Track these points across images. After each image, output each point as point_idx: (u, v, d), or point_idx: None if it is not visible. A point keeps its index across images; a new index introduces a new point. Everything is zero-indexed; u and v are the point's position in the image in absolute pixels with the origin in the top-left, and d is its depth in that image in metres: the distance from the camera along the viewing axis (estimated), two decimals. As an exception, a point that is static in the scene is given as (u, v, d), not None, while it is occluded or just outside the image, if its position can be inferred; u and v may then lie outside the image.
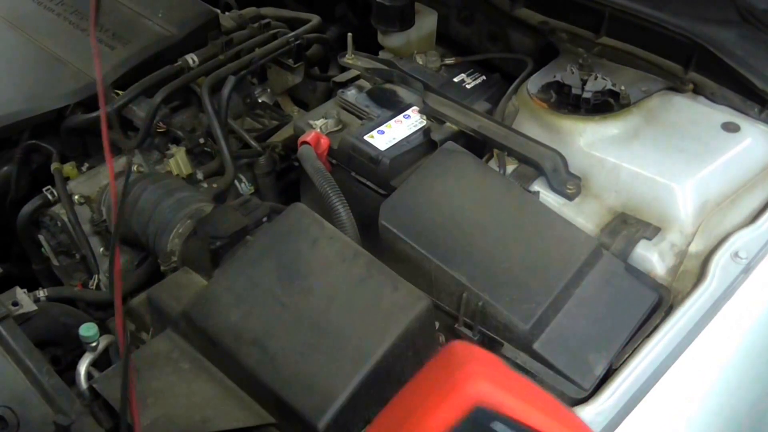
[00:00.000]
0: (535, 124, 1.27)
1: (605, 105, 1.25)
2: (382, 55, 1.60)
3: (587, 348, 0.98)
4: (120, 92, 1.42)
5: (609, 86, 1.25)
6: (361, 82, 1.45)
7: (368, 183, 1.25)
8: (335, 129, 1.32)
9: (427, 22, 1.62)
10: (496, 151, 1.24)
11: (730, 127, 1.21)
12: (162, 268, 1.19)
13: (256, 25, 1.61)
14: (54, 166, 1.35)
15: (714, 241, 1.07)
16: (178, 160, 1.38)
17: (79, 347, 1.06)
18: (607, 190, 1.16)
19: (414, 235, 1.06)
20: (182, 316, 0.98)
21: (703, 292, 0.97)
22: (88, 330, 1.05)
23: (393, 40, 1.59)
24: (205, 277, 1.08)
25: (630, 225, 1.11)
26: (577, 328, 1.00)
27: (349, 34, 1.46)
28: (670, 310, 0.99)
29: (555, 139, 1.23)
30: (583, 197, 1.17)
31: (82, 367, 1.04)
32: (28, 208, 1.33)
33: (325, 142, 1.26)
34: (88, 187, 1.35)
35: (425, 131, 1.28)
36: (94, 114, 1.36)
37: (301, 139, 1.27)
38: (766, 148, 1.20)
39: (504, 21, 1.57)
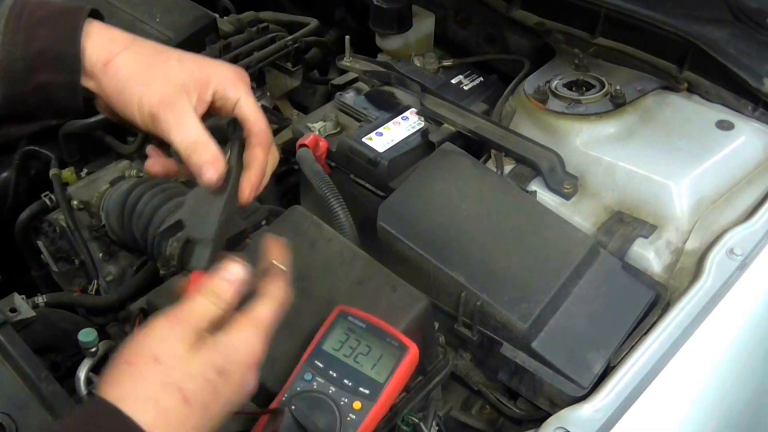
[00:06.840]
0: (532, 125, 1.27)
1: (601, 105, 1.26)
2: (380, 57, 1.61)
3: (585, 346, 0.98)
4: (118, 97, 1.42)
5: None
6: (360, 84, 1.46)
7: (367, 185, 1.25)
8: (334, 132, 1.32)
9: (424, 24, 1.62)
10: (493, 151, 1.24)
11: (725, 125, 1.22)
12: (161, 272, 1.19)
13: (254, 28, 1.61)
14: (52, 171, 1.35)
15: (709, 238, 1.07)
16: (177, 165, 1.38)
17: (79, 353, 1.06)
18: (604, 188, 1.17)
19: (412, 236, 1.07)
20: (182, 319, 0.98)
21: (700, 289, 0.97)
22: (87, 335, 1.05)
23: (391, 42, 1.60)
24: (205, 280, 1.08)
25: (626, 223, 1.12)
26: (575, 327, 1.00)
27: (347, 37, 1.46)
28: (667, 307, 1.00)
29: (552, 139, 1.23)
30: (579, 196, 1.18)
31: (82, 373, 1.04)
32: (26, 214, 1.33)
33: (323, 144, 1.27)
34: (87, 192, 1.35)
35: (423, 132, 1.28)
36: (92, 119, 1.37)
37: (300, 142, 1.27)
38: (760, 145, 1.20)
39: (500, 22, 1.57)
